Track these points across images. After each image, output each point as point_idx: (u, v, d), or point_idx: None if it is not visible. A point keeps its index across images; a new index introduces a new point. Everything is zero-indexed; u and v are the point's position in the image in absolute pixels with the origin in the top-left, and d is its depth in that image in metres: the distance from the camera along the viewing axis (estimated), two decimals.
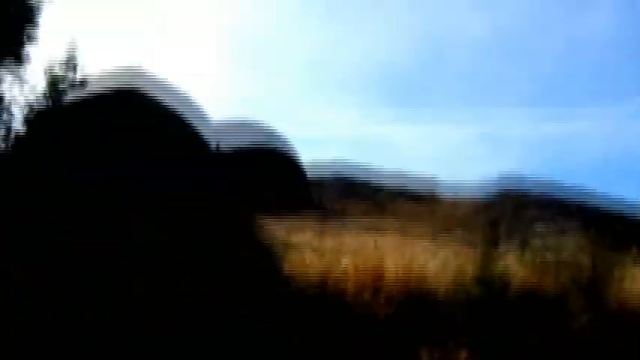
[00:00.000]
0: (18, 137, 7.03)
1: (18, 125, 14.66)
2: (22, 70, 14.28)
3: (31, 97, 14.50)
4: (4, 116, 14.60)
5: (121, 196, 5.73)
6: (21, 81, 14.35)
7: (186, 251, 5.36)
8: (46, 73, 14.70)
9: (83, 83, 12.23)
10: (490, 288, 6.75)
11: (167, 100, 7.28)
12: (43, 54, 14.94)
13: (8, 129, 14.56)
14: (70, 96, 7.68)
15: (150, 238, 5.40)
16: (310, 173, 22.41)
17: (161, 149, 5.50)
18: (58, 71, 14.72)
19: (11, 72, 14.23)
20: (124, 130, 5.69)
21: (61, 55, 14.92)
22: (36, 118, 7.20)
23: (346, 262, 8.00)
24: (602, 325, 6.33)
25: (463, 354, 5.88)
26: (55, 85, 14.69)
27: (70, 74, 14.94)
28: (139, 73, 5.82)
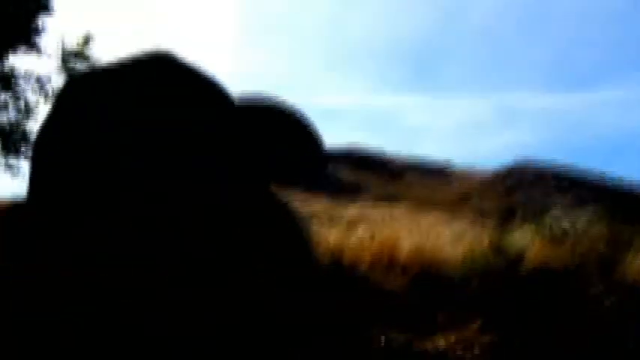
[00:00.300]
0: (61, 100, 7.00)
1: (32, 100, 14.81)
2: (35, 55, 14.40)
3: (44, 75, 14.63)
4: (19, 91, 14.72)
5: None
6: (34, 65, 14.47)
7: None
8: (59, 58, 14.79)
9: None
10: (506, 257, 6.78)
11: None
12: (55, 42, 15.03)
13: (26, 104, 14.69)
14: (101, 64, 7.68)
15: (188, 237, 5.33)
16: (325, 145, 22.43)
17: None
18: (70, 62, 14.82)
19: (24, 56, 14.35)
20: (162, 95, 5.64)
21: (74, 44, 15.03)
22: (72, 85, 7.21)
23: (361, 232, 8.06)
24: (617, 295, 6.34)
25: (477, 323, 5.93)
26: (68, 65, 14.80)
27: (82, 63, 15.05)
28: (164, 58, 5.79)
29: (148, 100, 5.71)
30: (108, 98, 6.30)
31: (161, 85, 5.70)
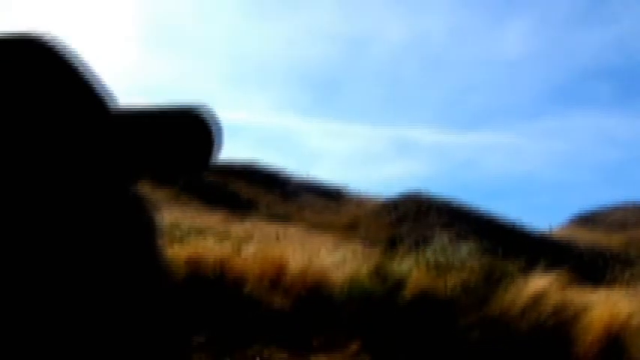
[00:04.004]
0: None
1: None
2: None
3: None
4: None
5: None
6: None
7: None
8: None
9: None
10: (386, 284, 6.98)
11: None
12: None
13: None
14: None
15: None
16: (221, 161, 22.26)
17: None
18: None
19: None
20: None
21: None
22: None
23: (250, 249, 8.03)
24: (486, 327, 6.68)
25: (355, 345, 6.04)
26: None
27: None
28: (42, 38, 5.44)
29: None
30: None
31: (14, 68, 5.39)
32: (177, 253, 7.23)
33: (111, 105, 0.76)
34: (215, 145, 0.70)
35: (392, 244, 8.62)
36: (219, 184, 21.30)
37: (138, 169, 0.75)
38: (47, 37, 0.71)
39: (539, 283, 7.69)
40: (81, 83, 0.75)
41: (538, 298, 7.42)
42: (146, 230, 0.76)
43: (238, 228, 11.93)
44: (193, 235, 9.28)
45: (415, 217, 18.89)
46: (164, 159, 0.74)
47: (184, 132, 0.73)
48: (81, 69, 0.73)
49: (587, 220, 66.34)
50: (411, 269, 7.43)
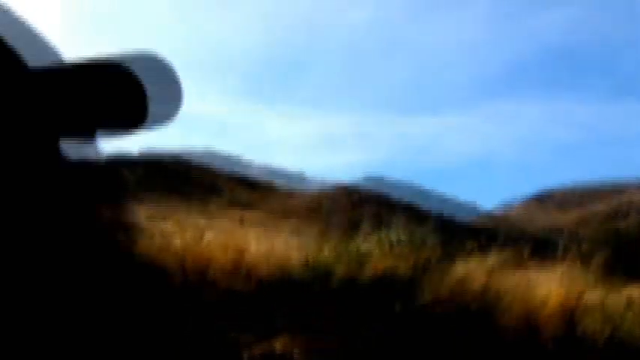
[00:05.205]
0: None
1: None
2: None
3: None
4: None
5: None
6: None
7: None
8: None
9: None
10: (348, 264, 7.11)
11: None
12: None
13: None
14: None
15: None
16: (182, 150, 22.03)
17: None
18: None
19: None
20: None
21: None
22: None
23: (211, 236, 8.04)
24: (445, 303, 6.88)
25: (317, 326, 6.15)
26: None
27: None
28: None
29: None
30: None
31: None
32: (137, 241, 7.19)
33: (29, 61, 0.74)
34: (144, 98, 0.69)
35: (353, 227, 8.76)
36: (180, 172, 21.13)
37: (65, 126, 0.73)
38: None
39: (495, 260, 7.94)
40: None
41: (493, 275, 7.66)
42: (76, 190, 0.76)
43: (200, 215, 11.88)
44: (154, 223, 9.22)
45: (375, 200, 19.11)
46: (93, 115, 0.73)
47: (111, 86, 0.71)
48: None
49: (543, 199, 68.12)
50: (372, 249, 7.57)
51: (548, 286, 7.93)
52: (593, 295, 7.92)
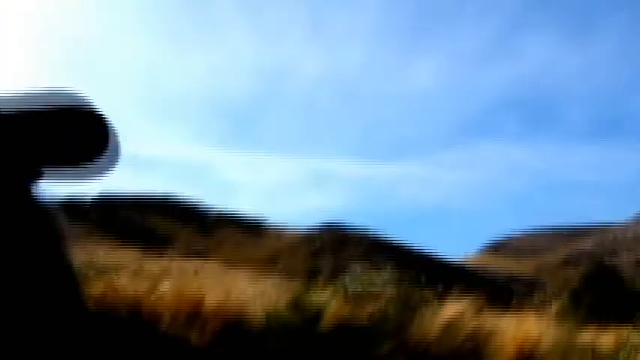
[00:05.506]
0: None
1: None
2: None
3: None
4: None
5: None
6: None
7: None
8: None
9: None
10: (305, 314, 6.99)
11: None
12: None
13: None
14: None
15: None
16: (136, 196, 21.69)
17: None
18: None
19: None
20: None
21: None
22: None
23: (167, 284, 7.84)
24: (405, 353, 6.80)
25: None
26: None
27: None
28: None
29: None
30: None
31: None
32: (90, 289, 6.97)
33: None
34: (111, 137, 0.68)
35: (311, 275, 8.68)
36: (134, 219, 20.73)
37: (34, 168, 0.72)
38: None
39: (454, 308, 7.94)
40: None
41: (453, 323, 7.65)
42: (47, 231, 0.74)
43: (155, 263, 11.62)
44: (108, 271, 8.96)
45: (334, 248, 19.06)
46: (61, 155, 0.72)
47: (81, 127, 0.71)
48: None
49: (499, 247, 69.12)
50: (330, 299, 7.49)
51: (507, 330, 7.98)
52: (550, 339, 7.99)
